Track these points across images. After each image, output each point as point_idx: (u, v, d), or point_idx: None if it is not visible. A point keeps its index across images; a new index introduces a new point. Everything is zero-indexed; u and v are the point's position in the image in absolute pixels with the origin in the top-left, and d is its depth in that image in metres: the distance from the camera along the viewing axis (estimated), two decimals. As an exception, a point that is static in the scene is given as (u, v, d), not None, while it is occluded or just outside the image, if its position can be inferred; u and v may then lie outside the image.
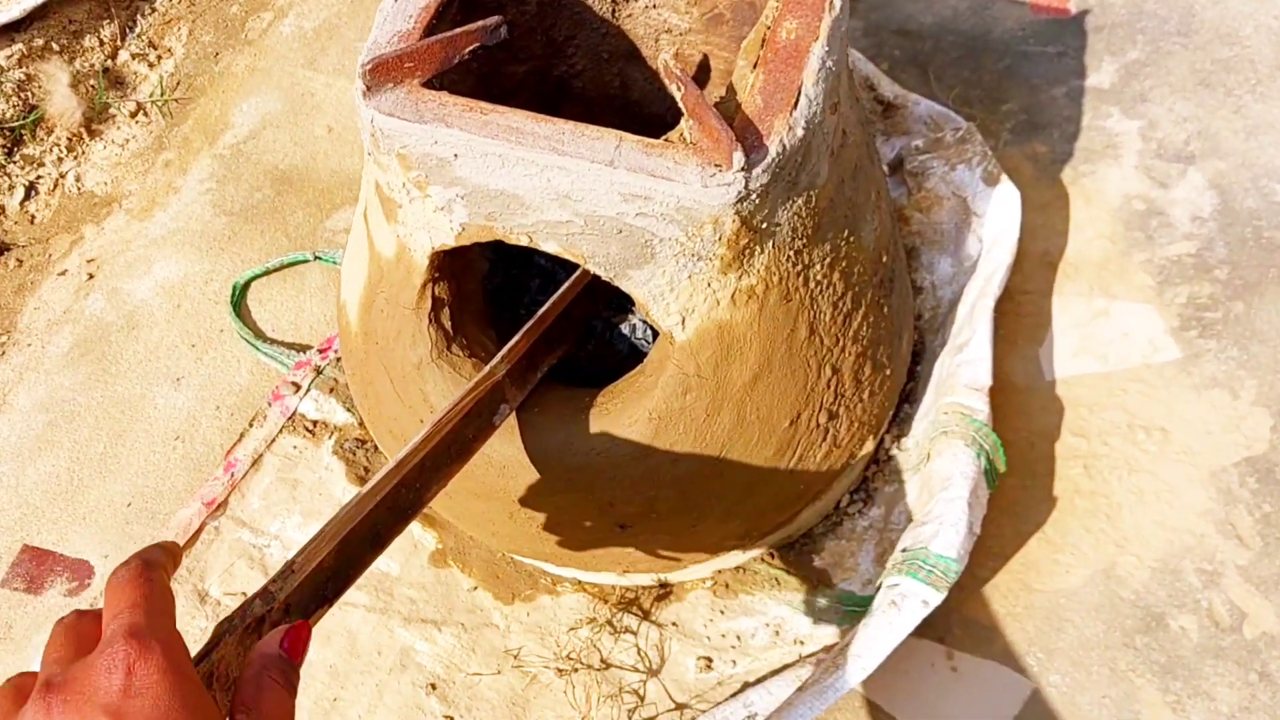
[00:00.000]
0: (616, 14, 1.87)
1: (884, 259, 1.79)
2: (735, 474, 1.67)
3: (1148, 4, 2.52)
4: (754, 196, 1.42)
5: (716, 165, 1.40)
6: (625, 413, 1.62)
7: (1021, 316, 2.14)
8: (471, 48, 1.50)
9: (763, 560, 1.90)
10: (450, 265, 1.67)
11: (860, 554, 1.87)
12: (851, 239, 1.65)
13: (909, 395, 2.00)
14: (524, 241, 1.52)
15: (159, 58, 2.80)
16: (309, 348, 2.24)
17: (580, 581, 1.92)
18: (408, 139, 1.49)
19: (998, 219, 2.05)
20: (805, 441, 1.71)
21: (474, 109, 1.42)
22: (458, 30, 1.49)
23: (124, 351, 2.30)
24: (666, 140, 1.43)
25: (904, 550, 1.68)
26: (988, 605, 1.83)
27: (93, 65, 2.73)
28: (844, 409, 1.73)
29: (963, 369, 1.84)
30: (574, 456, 1.64)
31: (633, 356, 1.95)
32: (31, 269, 2.47)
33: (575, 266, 2.08)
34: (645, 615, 1.88)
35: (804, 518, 1.86)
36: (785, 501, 1.76)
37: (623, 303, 2.03)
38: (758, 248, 1.49)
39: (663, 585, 1.90)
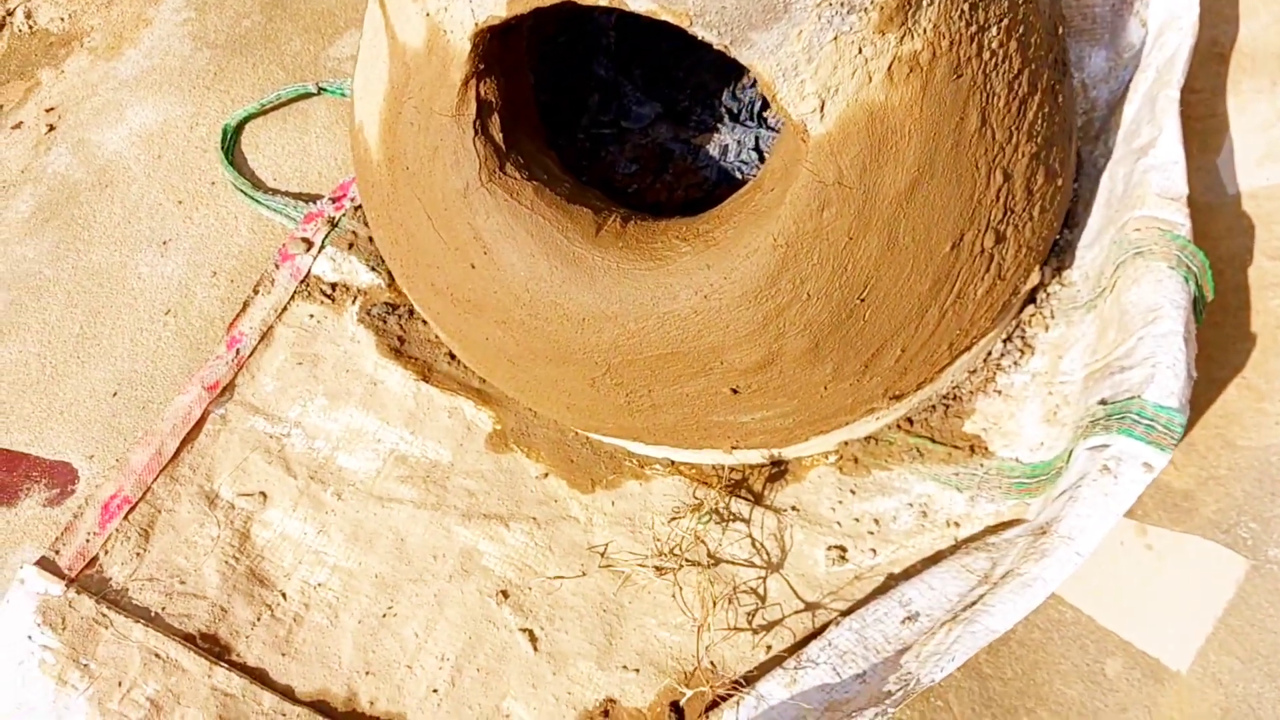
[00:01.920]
0: None
1: (1059, 30, 1.38)
2: (881, 315, 1.30)
3: None
4: (935, -90, 1.02)
5: None
6: (740, 240, 1.24)
7: (1192, 120, 1.73)
8: None
9: (899, 427, 1.53)
10: (499, 54, 1.27)
11: (1022, 414, 1.50)
12: (1030, -5, 1.24)
13: (1066, 218, 1.61)
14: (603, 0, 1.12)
15: None
16: (320, 197, 1.85)
17: (674, 462, 1.56)
18: None
19: (1168, -5, 1.63)
20: (967, 272, 1.33)
21: None
22: None
23: (97, 214, 1.92)
24: None
25: (1103, 403, 1.31)
26: (1183, 468, 1.48)
27: (36, -119, 2.29)
28: (1012, 229, 1.35)
29: (1151, 175, 1.45)
30: (673, 302, 1.27)
31: (725, 185, 1.56)
32: (-19, 125, 2.08)
33: (649, 60, 1.65)
34: (757, 499, 1.53)
35: (951, 371, 1.48)
36: (937, 350, 1.39)
37: (704, 114, 1.63)
38: (928, -6, 1.09)
39: (776, 463, 1.54)
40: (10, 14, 2.15)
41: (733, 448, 1.46)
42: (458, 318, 1.43)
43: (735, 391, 1.34)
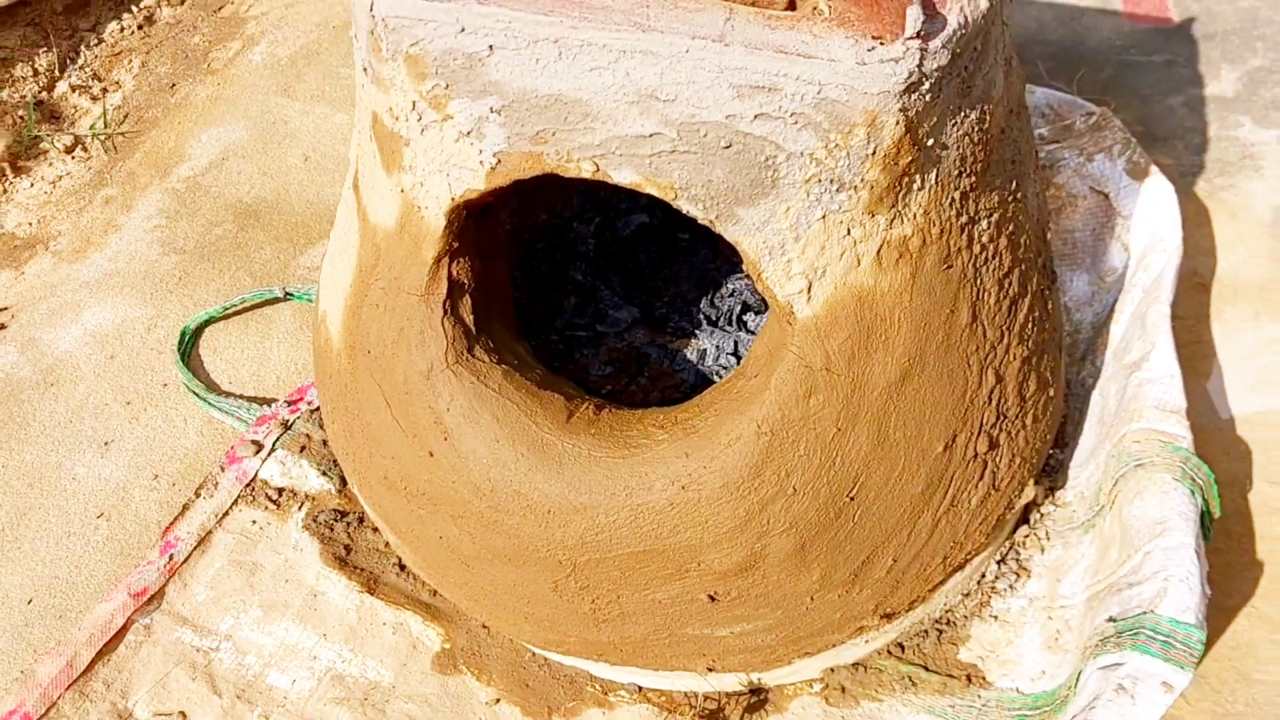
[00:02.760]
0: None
1: (1047, 235, 1.37)
2: (872, 517, 1.21)
3: (1262, 10, 2.20)
4: (926, 88, 1.00)
5: (876, 38, 0.98)
6: (722, 428, 1.16)
7: (1178, 346, 1.70)
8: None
9: (889, 653, 1.40)
10: (475, 233, 1.23)
11: (1020, 641, 1.38)
12: (1019, 195, 1.23)
13: (1057, 438, 1.55)
14: (587, 172, 1.09)
15: (104, 90, 2.40)
16: (275, 401, 1.76)
17: (641, 688, 1.41)
18: (422, 30, 1.06)
19: (1149, 220, 1.65)
20: (960, 477, 1.25)
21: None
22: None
23: (37, 412, 1.81)
24: (794, 10, 1.01)
25: (1112, 620, 1.20)
26: (1195, 703, 1.37)
27: (23, 96, 2.32)
28: (1005, 435, 1.28)
29: (1147, 388, 1.40)
30: (647, 493, 1.18)
31: (703, 389, 1.49)
32: (-69, 324, 2.00)
33: (627, 269, 1.60)
34: (734, 732, 1.37)
35: (944, 592, 1.37)
36: (930, 563, 1.29)
37: (682, 320, 1.58)
38: (919, 178, 1.07)
39: (755, 691, 1.40)
40: (-22, 218, 2.13)
41: (708, 669, 1.32)
42: (410, 514, 1.32)
43: (713, 599, 1.22)
